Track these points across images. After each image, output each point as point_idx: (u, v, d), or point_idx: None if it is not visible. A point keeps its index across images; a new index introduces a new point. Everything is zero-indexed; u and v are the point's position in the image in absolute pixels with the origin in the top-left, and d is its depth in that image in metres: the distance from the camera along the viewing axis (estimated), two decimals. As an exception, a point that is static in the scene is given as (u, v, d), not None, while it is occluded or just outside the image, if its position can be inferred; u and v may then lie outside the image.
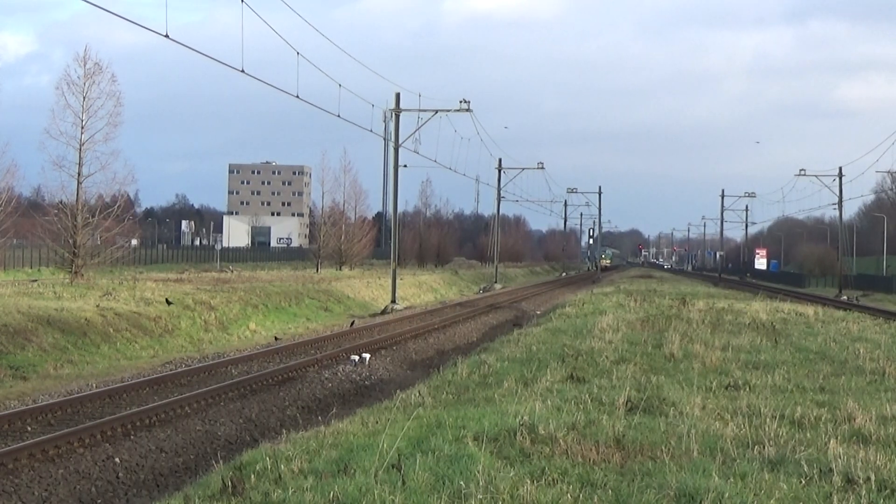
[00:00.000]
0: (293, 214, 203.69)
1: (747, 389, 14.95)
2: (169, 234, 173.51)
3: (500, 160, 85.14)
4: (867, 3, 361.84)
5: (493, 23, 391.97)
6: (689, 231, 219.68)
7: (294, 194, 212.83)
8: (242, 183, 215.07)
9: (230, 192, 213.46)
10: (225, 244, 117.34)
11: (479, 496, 8.27)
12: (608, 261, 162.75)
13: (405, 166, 54.69)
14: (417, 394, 14.87)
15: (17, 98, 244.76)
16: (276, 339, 31.93)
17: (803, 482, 9.01)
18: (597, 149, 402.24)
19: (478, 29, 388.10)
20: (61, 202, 44.78)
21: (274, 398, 20.15)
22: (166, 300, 35.65)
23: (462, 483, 8.56)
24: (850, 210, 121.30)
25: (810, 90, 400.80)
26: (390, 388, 20.37)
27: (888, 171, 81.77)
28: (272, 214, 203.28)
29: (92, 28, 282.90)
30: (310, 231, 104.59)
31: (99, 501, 13.43)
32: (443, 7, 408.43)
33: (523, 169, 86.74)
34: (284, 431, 12.80)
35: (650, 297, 45.00)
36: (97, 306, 31.01)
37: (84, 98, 43.80)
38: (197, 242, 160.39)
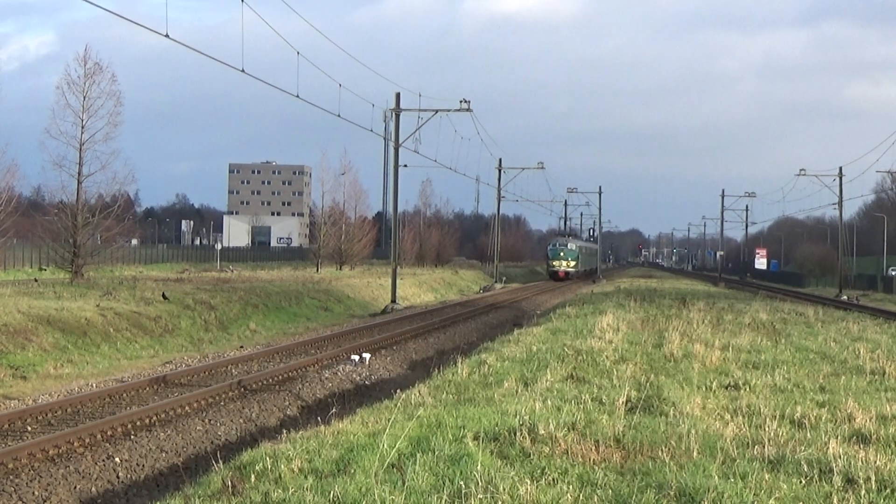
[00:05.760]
0: (293, 214, 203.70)
1: (747, 389, 14.95)
2: (169, 234, 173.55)
3: (500, 160, 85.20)
4: (878, 5, 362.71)
5: (511, 25, 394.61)
6: (689, 231, 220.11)
7: (294, 194, 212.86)
8: (243, 183, 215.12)
9: (230, 192, 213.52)
10: (225, 244, 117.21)
11: (479, 496, 8.28)
12: (571, 262, 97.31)
13: (405, 166, 54.72)
14: (418, 393, 14.86)
15: (30, 99, 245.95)
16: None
17: (803, 482, 9.02)
18: (598, 149, 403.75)
19: (495, 31, 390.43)
20: (61, 202, 44.80)
21: (274, 398, 20.14)
22: (163, 294, 35.72)
23: (462, 483, 8.56)
24: (851, 210, 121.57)
25: (819, 91, 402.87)
26: (390, 387, 20.36)
27: (888, 171, 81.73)
28: (272, 214, 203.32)
29: (113, 29, 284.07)
30: (310, 231, 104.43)
31: (99, 501, 13.42)
32: (462, 10, 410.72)
33: (523, 169, 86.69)
34: (284, 431, 12.79)
35: (650, 296, 44.98)
36: (97, 306, 31.02)
37: (84, 98, 43.82)
38: (197, 242, 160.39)
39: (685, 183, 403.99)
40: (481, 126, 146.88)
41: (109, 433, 15.56)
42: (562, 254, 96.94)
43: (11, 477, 13.01)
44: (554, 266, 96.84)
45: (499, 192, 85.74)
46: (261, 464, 9.93)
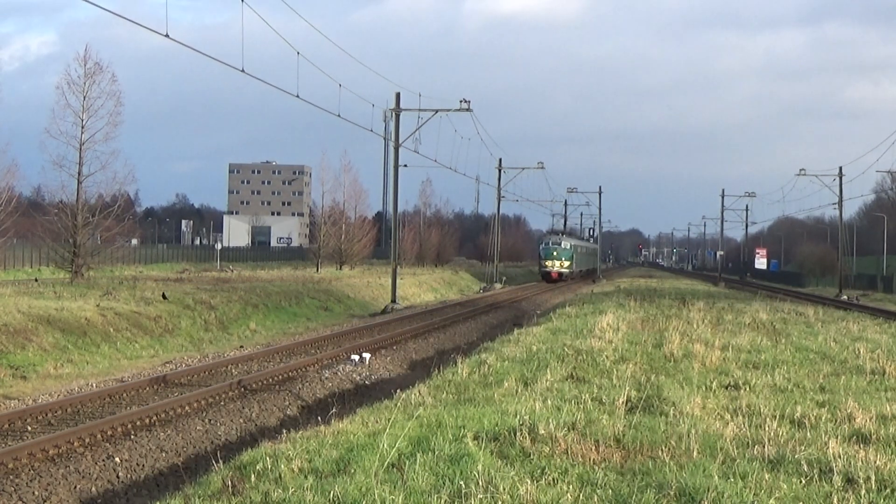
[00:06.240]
0: (293, 214, 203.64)
1: (747, 389, 14.96)
2: (169, 234, 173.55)
3: (500, 160, 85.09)
4: (878, 5, 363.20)
5: (512, 25, 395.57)
6: (689, 231, 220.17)
7: (294, 194, 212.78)
8: (243, 182, 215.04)
9: (230, 192, 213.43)
10: (225, 244, 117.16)
11: (479, 496, 8.28)
12: (565, 262, 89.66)
13: (405, 166, 54.68)
14: (418, 393, 14.87)
15: (31, 99, 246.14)
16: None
17: (803, 482, 9.02)
18: (598, 149, 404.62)
19: (496, 31, 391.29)
20: (61, 202, 44.77)
21: (274, 398, 20.15)
22: (163, 294, 35.73)
23: (462, 483, 8.56)
24: (851, 210, 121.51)
25: (819, 91, 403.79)
26: (390, 387, 20.37)
27: (888, 171, 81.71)
28: (272, 214, 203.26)
29: (113, 29, 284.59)
30: (310, 231, 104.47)
31: (99, 501, 13.42)
32: (463, 10, 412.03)
33: (523, 168, 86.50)
34: (284, 431, 12.79)
35: (650, 296, 45.00)
36: (97, 306, 31.02)
37: (84, 98, 43.81)
38: (197, 242, 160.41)
39: (685, 183, 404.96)
40: (481, 126, 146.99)
41: (109, 433, 15.56)
42: (555, 253, 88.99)
43: (11, 477, 13.01)
44: (546, 266, 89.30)
45: (499, 192, 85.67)
46: (261, 464, 9.93)
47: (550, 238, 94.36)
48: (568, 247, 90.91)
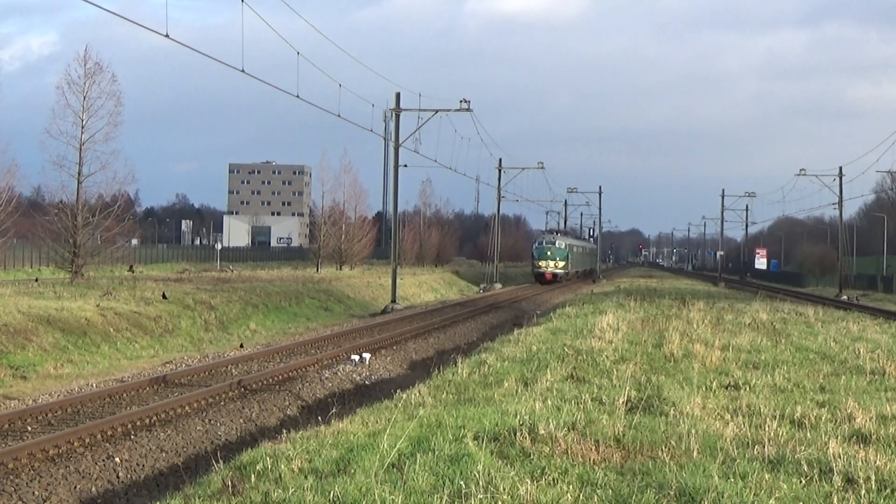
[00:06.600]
0: (293, 214, 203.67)
1: (747, 389, 14.96)
2: (169, 234, 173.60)
3: (500, 160, 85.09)
4: (878, 5, 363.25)
5: (512, 25, 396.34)
6: (689, 231, 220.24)
7: (294, 194, 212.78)
8: (243, 182, 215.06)
9: (230, 192, 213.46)
10: (225, 244, 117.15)
11: (480, 496, 8.28)
12: (560, 262, 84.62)
13: (405, 166, 54.71)
14: (418, 393, 14.88)
15: (32, 99, 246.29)
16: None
17: (803, 482, 9.02)
18: (598, 149, 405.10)
19: (496, 31, 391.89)
20: (61, 202, 44.79)
21: (274, 398, 20.14)
22: (163, 294, 35.74)
23: (462, 483, 8.56)
24: (851, 210, 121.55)
25: (820, 91, 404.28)
26: (390, 387, 20.36)
27: (888, 171, 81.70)
28: (272, 214, 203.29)
29: (114, 29, 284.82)
30: (310, 231, 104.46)
31: (99, 501, 13.42)
32: (463, 10, 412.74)
33: (523, 168, 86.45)
34: (284, 431, 12.79)
35: (650, 296, 45.01)
36: (97, 306, 31.02)
37: (84, 97, 43.83)
38: (197, 242, 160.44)
39: (685, 183, 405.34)
40: (481, 126, 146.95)
41: (109, 433, 15.56)
42: (549, 253, 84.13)
43: (11, 477, 13.01)
44: (540, 267, 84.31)
45: (499, 192, 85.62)
46: (261, 464, 9.93)
47: (545, 237, 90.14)
48: (563, 246, 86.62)
